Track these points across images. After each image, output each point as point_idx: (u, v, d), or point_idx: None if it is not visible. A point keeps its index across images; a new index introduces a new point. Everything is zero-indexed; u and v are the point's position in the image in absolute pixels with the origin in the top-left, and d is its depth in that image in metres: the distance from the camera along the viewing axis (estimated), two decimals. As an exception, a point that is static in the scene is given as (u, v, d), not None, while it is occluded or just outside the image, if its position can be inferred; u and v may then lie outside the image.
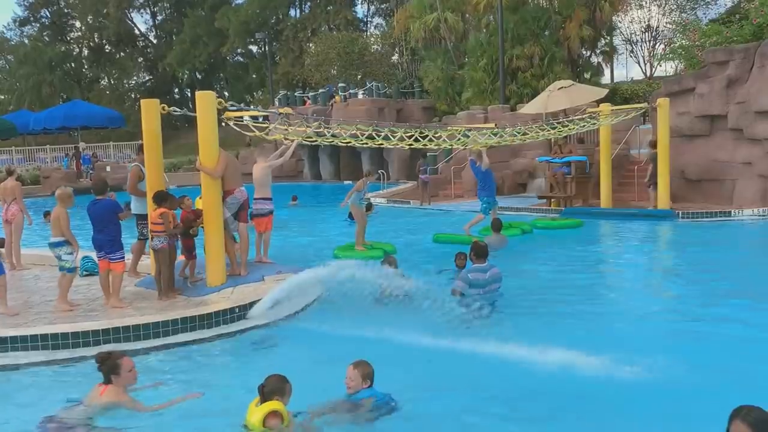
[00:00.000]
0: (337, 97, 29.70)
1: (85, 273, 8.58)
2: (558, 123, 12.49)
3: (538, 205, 16.23)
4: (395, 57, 35.05)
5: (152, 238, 7.23)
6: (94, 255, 7.26)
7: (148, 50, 56.23)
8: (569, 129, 12.93)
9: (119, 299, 7.07)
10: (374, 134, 9.50)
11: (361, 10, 48.74)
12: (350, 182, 27.85)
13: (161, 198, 7.30)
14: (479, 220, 11.84)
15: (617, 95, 23.49)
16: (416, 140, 10.08)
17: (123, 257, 7.22)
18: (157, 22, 56.25)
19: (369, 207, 17.06)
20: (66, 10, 55.22)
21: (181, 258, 7.88)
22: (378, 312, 6.62)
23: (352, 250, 10.13)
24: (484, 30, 25.98)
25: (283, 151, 9.46)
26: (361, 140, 9.51)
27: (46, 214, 15.91)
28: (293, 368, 4.81)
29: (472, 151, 12.14)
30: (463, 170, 19.90)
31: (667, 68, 33.46)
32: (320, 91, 31.07)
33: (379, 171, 22.93)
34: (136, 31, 56.22)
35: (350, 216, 14.84)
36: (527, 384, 4.76)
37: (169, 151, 19.35)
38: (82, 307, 7.03)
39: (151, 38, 56.89)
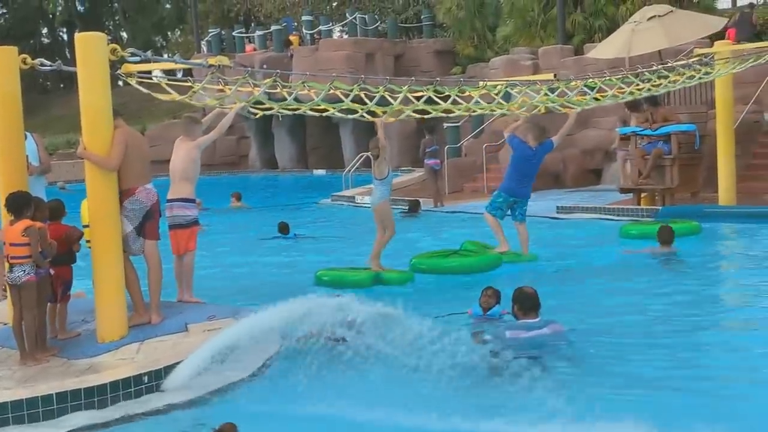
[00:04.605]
0: (295, 39, 29.71)
1: None
2: (651, 72, 12.49)
3: (620, 203, 16.23)
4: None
5: (10, 268, 7.20)
6: None
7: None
8: (667, 82, 12.93)
9: None
10: (362, 95, 9.47)
11: None
12: (323, 172, 27.98)
13: (22, 203, 7.24)
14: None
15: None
16: (428, 103, 10.10)
17: None
18: None
19: (415, 206, 17.48)
20: None
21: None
22: (363, 378, 6.76)
23: (349, 273, 10.53)
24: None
25: (213, 119, 9.44)
26: (341, 106, 9.48)
27: None
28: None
29: (517, 126, 12.25)
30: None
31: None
32: (273, 28, 31.11)
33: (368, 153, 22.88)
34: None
35: (281, 230, 14.90)
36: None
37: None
38: None
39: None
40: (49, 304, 7.80)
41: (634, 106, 16.56)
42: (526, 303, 7.54)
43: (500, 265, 11.19)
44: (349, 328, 7.32)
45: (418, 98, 10.00)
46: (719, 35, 17.27)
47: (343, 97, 9.37)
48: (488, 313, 8.22)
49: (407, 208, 17.66)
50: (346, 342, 7.30)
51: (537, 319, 7.51)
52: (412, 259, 11.41)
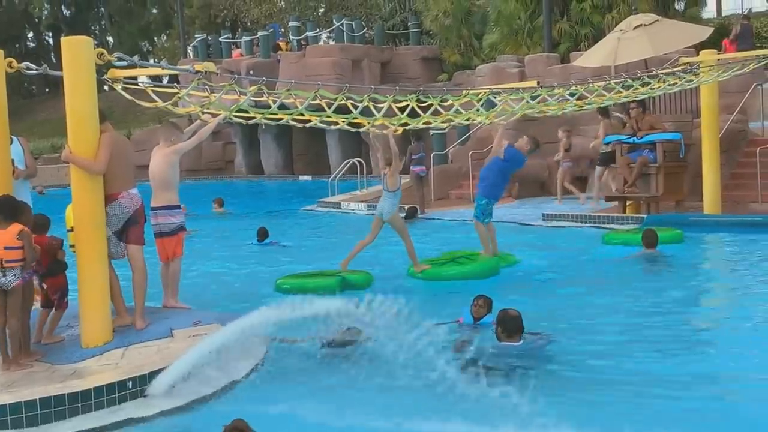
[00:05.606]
0: (284, 44, 29.72)
1: None
2: (635, 80, 12.57)
3: (605, 211, 16.32)
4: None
5: (3, 272, 7.16)
6: None
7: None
8: (652, 90, 13.03)
9: None
10: (349, 105, 9.51)
11: None
12: (308, 178, 27.95)
13: (10, 208, 7.23)
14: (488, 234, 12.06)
15: (727, 36, 23.70)
16: (411, 115, 10.15)
17: None
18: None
19: (413, 212, 17.55)
20: None
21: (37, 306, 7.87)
22: (348, 383, 6.78)
23: (309, 279, 10.58)
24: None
25: (198, 128, 9.49)
26: (326, 116, 9.50)
27: None
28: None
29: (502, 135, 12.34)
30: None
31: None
32: (260, 34, 31.13)
33: (354, 160, 23.02)
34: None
35: (260, 236, 14.95)
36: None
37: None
38: None
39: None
40: (42, 309, 7.84)
41: (604, 112, 16.70)
42: (510, 325, 7.49)
43: (498, 273, 11.29)
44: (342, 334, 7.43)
45: (401, 109, 10.04)
46: (705, 44, 17.38)
47: (326, 108, 9.41)
48: (479, 322, 8.28)
49: (405, 214, 17.66)
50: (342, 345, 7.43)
51: (519, 343, 7.49)
52: (410, 268, 11.44)
